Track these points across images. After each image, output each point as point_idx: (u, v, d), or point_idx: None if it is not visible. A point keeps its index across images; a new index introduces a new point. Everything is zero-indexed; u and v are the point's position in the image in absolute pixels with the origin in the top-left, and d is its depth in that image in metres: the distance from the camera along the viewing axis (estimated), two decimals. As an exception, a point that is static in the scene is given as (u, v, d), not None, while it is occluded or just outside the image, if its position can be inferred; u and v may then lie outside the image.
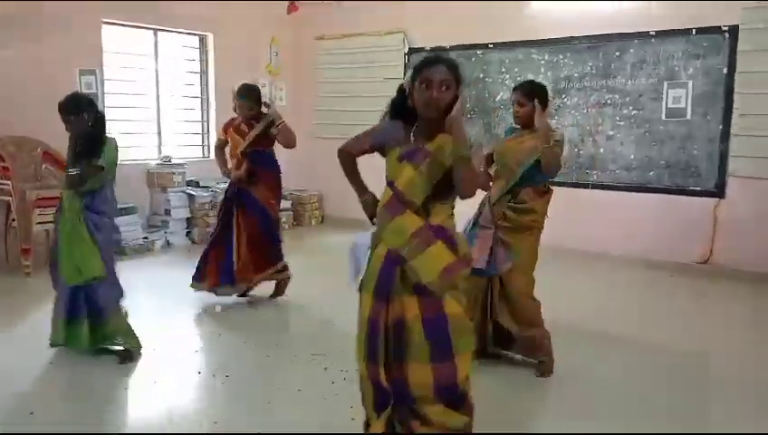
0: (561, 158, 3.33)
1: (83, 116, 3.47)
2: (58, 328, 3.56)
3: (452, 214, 2.30)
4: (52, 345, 3.63)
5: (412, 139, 2.27)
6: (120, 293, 3.69)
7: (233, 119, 4.63)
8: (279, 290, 4.78)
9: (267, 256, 4.62)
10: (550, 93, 3.55)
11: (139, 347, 3.65)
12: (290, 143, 4.43)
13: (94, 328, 3.56)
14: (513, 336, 3.45)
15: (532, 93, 3.31)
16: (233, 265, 4.48)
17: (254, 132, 4.44)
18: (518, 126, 3.48)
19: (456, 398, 2.24)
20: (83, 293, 3.52)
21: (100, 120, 3.55)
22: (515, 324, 3.43)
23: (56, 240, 3.63)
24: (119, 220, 4.59)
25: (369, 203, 2.45)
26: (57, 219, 3.62)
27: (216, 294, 4.58)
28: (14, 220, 5.35)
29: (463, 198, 2.24)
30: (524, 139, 3.36)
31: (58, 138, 5.43)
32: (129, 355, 3.60)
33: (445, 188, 2.23)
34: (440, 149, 2.20)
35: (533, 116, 3.26)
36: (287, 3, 8.12)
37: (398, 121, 2.33)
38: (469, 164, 2.15)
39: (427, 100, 2.19)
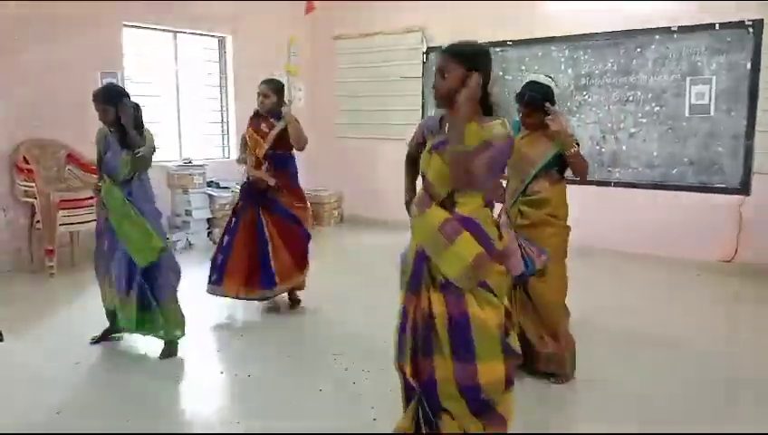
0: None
1: (117, 106, 3.59)
2: (130, 315, 3.65)
3: (485, 205, 2.18)
4: (112, 332, 3.90)
5: (446, 129, 2.21)
6: (177, 278, 3.80)
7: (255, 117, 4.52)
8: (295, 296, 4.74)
9: (302, 258, 4.56)
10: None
11: (184, 334, 3.78)
12: (300, 144, 4.35)
13: (145, 314, 3.65)
14: (534, 352, 3.24)
15: (542, 102, 3.17)
16: (271, 268, 4.38)
17: (274, 132, 4.36)
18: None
19: (479, 403, 2.14)
20: (140, 277, 3.60)
21: (137, 110, 3.69)
22: (538, 337, 3.26)
23: (99, 232, 3.76)
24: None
25: (409, 203, 2.44)
26: (98, 214, 3.80)
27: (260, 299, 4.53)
28: (38, 222, 5.43)
29: (454, 187, 2.15)
30: (538, 139, 3.25)
31: (81, 140, 5.55)
32: (173, 349, 3.71)
33: None
34: (469, 137, 2.09)
35: (543, 119, 3.17)
36: (304, 3, 8.13)
37: (439, 113, 2.32)
38: (459, 159, 2.05)
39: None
